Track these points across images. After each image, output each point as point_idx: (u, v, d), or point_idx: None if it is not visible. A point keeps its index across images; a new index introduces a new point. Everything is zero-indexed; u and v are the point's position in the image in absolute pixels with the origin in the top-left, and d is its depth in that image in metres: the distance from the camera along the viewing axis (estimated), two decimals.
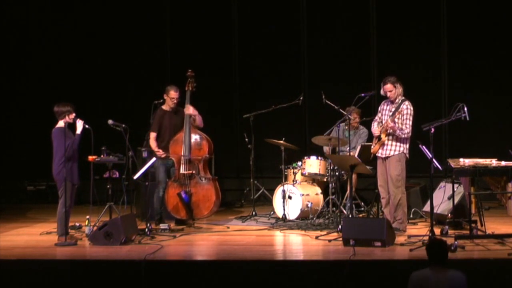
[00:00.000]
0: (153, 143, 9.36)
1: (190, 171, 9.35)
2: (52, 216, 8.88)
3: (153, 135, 9.39)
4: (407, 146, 8.59)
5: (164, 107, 9.45)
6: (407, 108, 8.51)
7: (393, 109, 8.59)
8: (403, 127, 8.49)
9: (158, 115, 9.40)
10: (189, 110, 9.39)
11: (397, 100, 8.62)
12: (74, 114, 8.41)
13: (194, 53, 12.17)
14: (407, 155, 8.60)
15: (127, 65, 12.22)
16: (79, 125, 8.33)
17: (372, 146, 8.75)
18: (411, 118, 8.50)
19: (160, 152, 9.26)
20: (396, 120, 8.49)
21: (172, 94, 9.35)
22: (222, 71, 12.31)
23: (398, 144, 8.54)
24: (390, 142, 8.56)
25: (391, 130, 8.49)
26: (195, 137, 9.44)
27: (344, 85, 11.50)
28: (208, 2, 12.34)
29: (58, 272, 7.31)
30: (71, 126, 8.44)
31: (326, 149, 10.27)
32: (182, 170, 9.34)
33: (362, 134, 10.31)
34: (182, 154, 9.31)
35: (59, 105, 8.46)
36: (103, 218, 9.08)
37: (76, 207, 9.03)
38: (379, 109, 8.85)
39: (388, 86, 8.60)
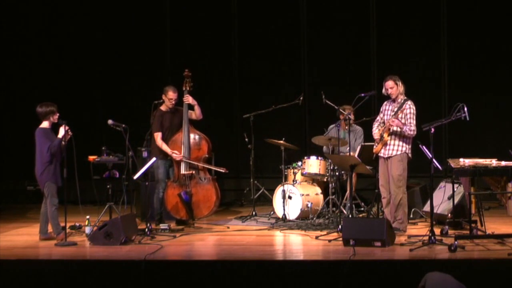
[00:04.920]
0: (163, 145, 9.30)
1: (190, 171, 9.35)
2: None
3: (159, 135, 9.33)
4: (410, 146, 8.58)
5: (163, 107, 9.45)
6: (409, 107, 8.50)
7: (395, 109, 8.58)
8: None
9: (158, 115, 9.39)
10: (189, 99, 9.38)
11: (399, 100, 8.62)
12: (58, 115, 8.50)
13: (194, 53, 12.17)
14: (410, 155, 8.60)
15: (127, 65, 12.22)
16: (62, 130, 8.36)
17: (375, 146, 8.74)
18: (414, 118, 8.50)
19: (177, 154, 9.24)
20: (399, 119, 8.48)
21: (171, 95, 9.35)
22: (222, 71, 12.31)
23: (400, 144, 8.53)
24: (392, 142, 8.55)
25: (395, 128, 8.47)
26: (193, 137, 9.44)
27: (344, 85, 11.50)
28: (208, 2, 12.34)
29: (58, 272, 7.30)
30: (55, 126, 8.51)
31: (325, 149, 10.29)
32: (182, 171, 9.34)
33: (358, 133, 10.28)
34: (182, 155, 9.31)
35: (41, 105, 8.55)
36: (103, 218, 9.09)
37: (77, 207, 9.03)
38: (381, 109, 8.83)
39: (390, 83, 8.60)
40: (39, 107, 8.55)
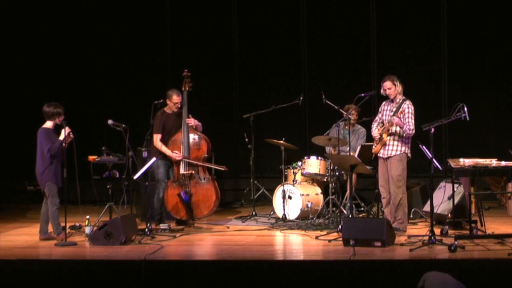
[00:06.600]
0: (163, 146, 9.31)
1: (190, 171, 9.35)
2: None
3: (158, 136, 9.33)
4: (409, 146, 8.58)
5: (167, 109, 9.43)
6: (408, 107, 8.50)
7: (394, 109, 8.59)
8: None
9: (161, 117, 9.37)
10: (191, 122, 9.37)
11: (397, 100, 8.62)
12: (63, 117, 8.45)
13: (194, 53, 12.17)
14: (409, 155, 8.60)
15: (127, 65, 12.22)
16: (63, 132, 8.33)
17: (374, 146, 8.74)
18: (413, 117, 8.50)
19: (178, 154, 9.25)
20: (399, 117, 8.48)
21: (175, 99, 9.33)
22: (222, 71, 12.31)
23: (399, 144, 8.53)
24: (391, 142, 8.56)
25: (395, 128, 8.46)
26: (193, 137, 9.44)
27: (344, 85, 11.51)
28: (208, 2, 12.34)
29: (58, 272, 7.30)
30: (57, 127, 8.50)
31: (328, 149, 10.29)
32: (182, 171, 9.34)
33: (360, 134, 10.30)
34: (182, 155, 9.31)
35: (49, 105, 8.51)
36: (103, 218, 9.09)
37: (77, 207, 9.03)
38: (380, 109, 8.84)
39: (388, 83, 8.60)
40: (47, 107, 8.50)
